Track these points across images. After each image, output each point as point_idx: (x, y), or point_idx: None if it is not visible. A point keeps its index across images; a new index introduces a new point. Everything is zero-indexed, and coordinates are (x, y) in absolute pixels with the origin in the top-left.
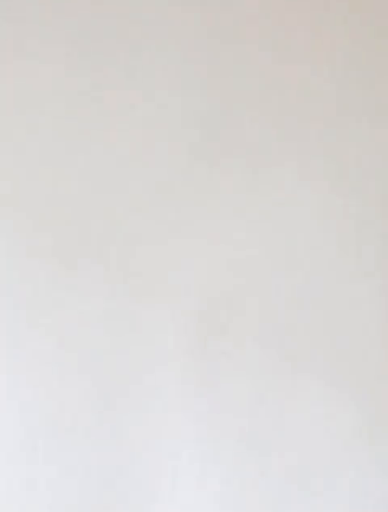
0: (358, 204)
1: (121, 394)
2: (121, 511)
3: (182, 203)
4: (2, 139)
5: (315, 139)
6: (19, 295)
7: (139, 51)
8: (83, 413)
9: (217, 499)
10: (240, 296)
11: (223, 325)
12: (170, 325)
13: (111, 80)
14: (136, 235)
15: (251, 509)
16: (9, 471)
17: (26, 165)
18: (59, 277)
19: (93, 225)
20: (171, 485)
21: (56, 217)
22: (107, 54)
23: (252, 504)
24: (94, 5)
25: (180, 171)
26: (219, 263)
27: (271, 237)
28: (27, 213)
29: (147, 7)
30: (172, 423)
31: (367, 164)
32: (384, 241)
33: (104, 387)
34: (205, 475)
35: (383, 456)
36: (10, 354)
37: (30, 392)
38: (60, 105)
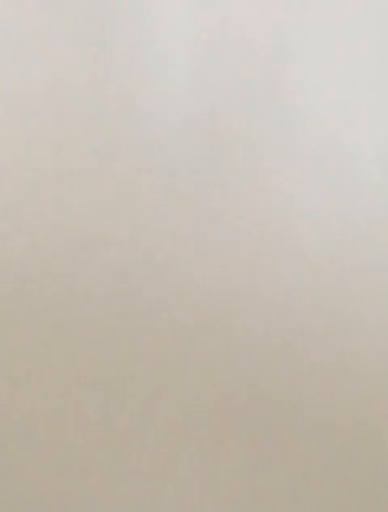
0: (362, 209)
1: (121, 394)
2: (121, 510)
3: (183, 203)
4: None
5: (320, 141)
6: (19, 295)
7: (143, 49)
8: (83, 413)
9: (217, 498)
10: (240, 297)
11: (223, 325)
12: (170, 325)
13: (114, 78)
14: (136, 234)
15: (252, 507)
16: (8, 470)
17: (23, 167)
18: (58, 277)
19: (93, 225)
20: (172, 485)
21: (55, 218)
22: (110, 52)
23: (253, 503)
24: (95, 4)
25: (181, 172)
26: (220, 263)
27: (272, 237)
28: (27, 214)
29: (151, 7)
30: (172, 423)
31: (372, 168)
32: (386, 245)
33: (104, 388)
34: (206, 473)
35: (384, 455)
36: (10, 355)
37: (30, 391)
38: (59, 103)
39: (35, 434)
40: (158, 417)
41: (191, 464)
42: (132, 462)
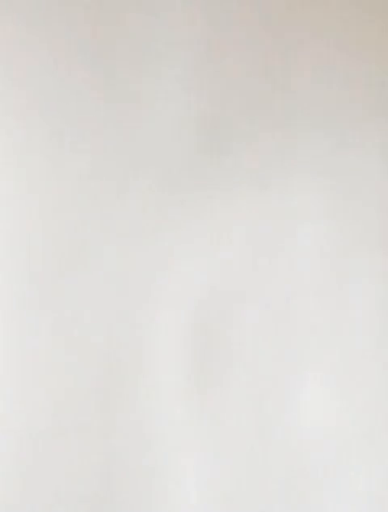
0: (361, 209)
1: (121, 395)
2: (120, 511)
3: (182, 203)
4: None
5: (319, 141)
6: (19, 296)
7: (143, 50)
8: (83, 415)
9: (217, 497)
10: (240, 297)
11: (223, 325)
12: (170, 325)
13: (115, 79)
14: (136, 235)
15: (253, 507)
16: (8, 470)
17: (23, 165)
18: (59, 277)
19: (92, 226)
20: (172, 485)
21: (55, 218)
22: (111, 53)
23: (253, 503)
24: (99, 6)
25: (181, 172)
26: (219, 263)
27: (272, 237)
28: (25, 214)
29: (151, 8)
30: (173, 424)
31: (372, 168)
32: (385, 245)
33: (104, 388)
34: (206, 474)
35: (384, 456)
36: (10, 355)
37: (30, 392)
38: (60, 103)
39: None
40: None
41: None
42: None
